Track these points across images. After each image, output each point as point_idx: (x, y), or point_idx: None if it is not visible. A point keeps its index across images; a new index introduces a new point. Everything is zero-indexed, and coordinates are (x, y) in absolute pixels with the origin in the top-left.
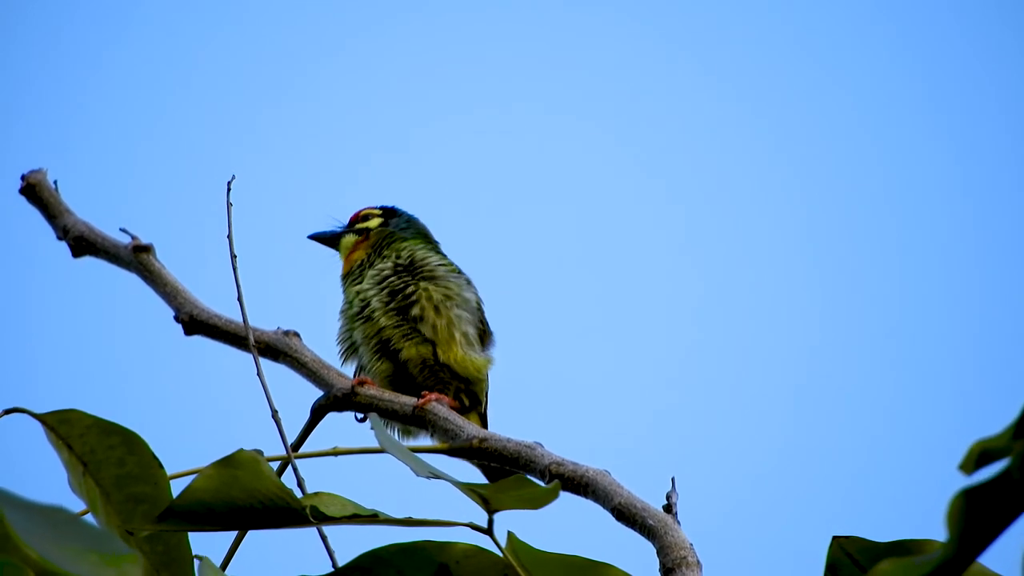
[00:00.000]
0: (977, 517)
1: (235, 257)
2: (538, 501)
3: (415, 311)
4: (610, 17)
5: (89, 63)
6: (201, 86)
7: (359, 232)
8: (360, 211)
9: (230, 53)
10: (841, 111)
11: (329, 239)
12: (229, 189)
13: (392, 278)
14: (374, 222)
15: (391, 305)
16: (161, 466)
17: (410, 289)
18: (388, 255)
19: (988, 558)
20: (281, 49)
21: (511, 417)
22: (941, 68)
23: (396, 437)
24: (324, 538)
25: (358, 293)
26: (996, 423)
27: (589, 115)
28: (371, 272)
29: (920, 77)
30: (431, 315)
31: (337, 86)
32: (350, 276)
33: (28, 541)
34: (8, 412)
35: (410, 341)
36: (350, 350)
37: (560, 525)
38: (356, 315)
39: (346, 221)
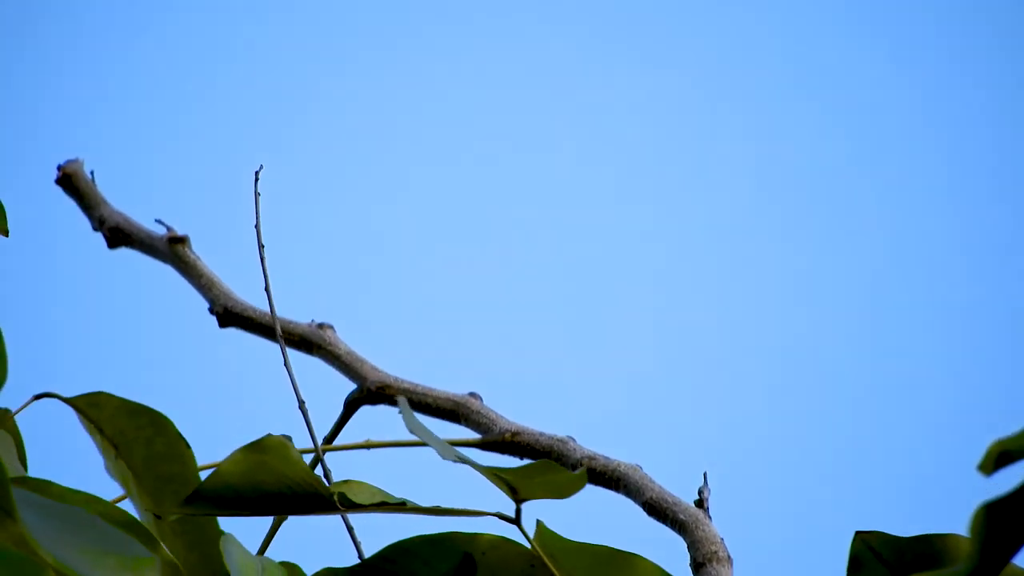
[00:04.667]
0: (1001, 529)
1: (263, 247)
2: (565, 489)
3: None
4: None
5: (124, 53)
6: (234, 76)
7: None
8: None
9: (264, 42)
10: (836, 114)
11: None
12: (257, 179)
13: None
14: None
15: None
16: (188, 445)
17: None
18: None
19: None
20: (314, 40)
21: (543, 411)
22: (936, 76)
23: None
24: (351, 529)
25: None
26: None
27: (595, 117)
28: None
29: (917, 83)
30: None
31: (366, 78)
32: None
33: (45, 545)
34: (38, 397)
35: None
36: None
37: (591, 519)
38: None
39: None
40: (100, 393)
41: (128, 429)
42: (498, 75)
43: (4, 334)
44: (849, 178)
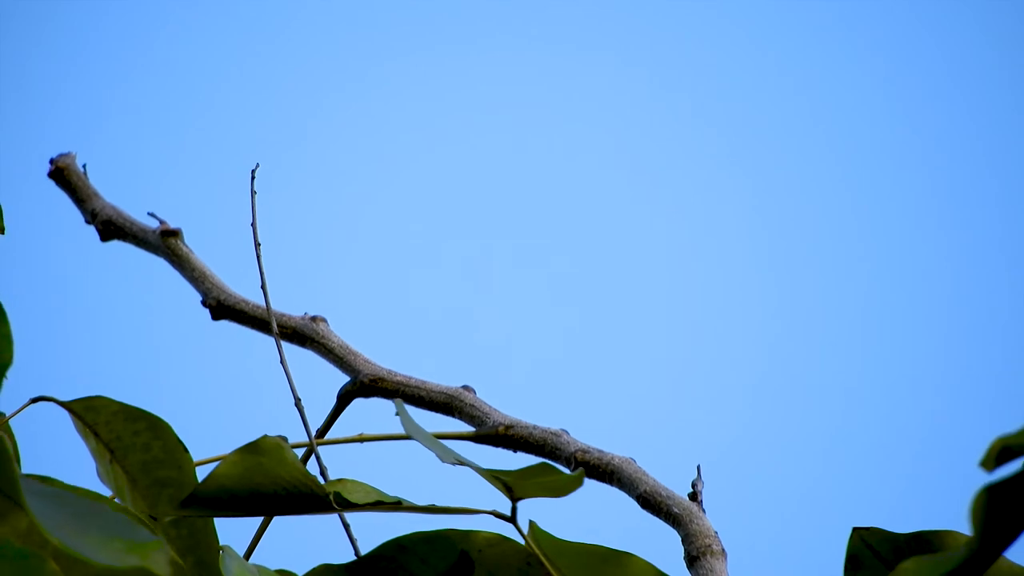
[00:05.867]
0: (1001, 513)
1: (259, 246)
2: (562, 489)
3: None
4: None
5: (118, 49)
6: (226, 72)
7: None
8: None
9: (258, 40)
10: (836, 122)
11: None
12: (253, 178)
13: None
14: None
15: None
16: (186, 450)
17: None
18: None
19: (1013, 553)
20: (308, 39)
21: (537, 404)
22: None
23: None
24: (347, 527)
25: None
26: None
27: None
28: None
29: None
30: None
31: (361, 75)
32: None
33: (52, 530)
34: (35, 401)
35: None
36: None
37: (585, 513)
38: None
39: None
40: (97, 397)
41: (125, 434)
42: (494, 73)
43: None
44: (849, 177)
